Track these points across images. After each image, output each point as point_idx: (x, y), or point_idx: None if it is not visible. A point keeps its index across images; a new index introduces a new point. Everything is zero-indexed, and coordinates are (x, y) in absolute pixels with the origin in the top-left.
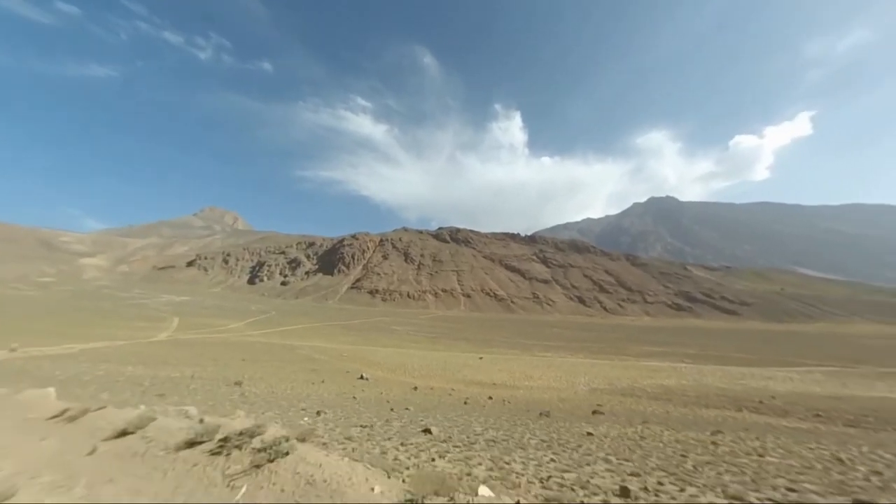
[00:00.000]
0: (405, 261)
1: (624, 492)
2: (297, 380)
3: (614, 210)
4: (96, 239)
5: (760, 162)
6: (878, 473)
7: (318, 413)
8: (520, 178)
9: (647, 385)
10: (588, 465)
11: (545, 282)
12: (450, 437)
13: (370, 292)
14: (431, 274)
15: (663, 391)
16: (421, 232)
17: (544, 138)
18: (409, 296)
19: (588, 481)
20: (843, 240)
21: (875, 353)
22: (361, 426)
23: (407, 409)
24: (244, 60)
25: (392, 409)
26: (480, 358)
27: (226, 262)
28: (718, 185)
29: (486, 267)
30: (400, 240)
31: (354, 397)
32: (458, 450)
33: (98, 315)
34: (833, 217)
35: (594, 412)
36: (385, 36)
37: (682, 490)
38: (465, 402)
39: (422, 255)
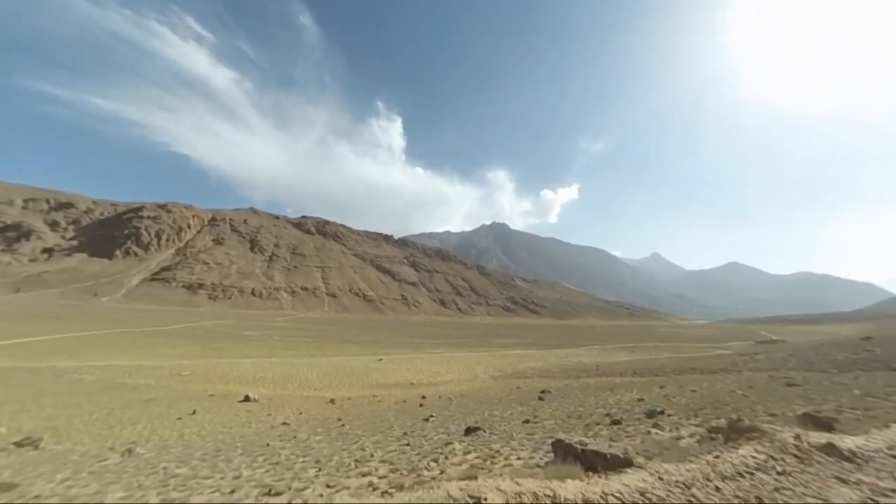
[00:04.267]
0: (252, 250)
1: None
2: (144, 417)
3: (469, 227)
4: None
5: (553, 210)
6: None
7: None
8: (395, 181)
9: (525, 368)
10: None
11: (413, 284)
12: None
13: (189, 287)
14: (289, 269)
15: (539, 371)
16: (277, 217)
17: (420, 150)
18: (254, 293)
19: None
20: (582, 267)
21: (608, 337)
22: None
23: (431, 416)
24: None
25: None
26: (380, 360)
27: None
28: (532, 221)
29: (357, 266)
30: (245, 222)
31: (286, 423)
32: None
33: None
34: (579, 253)
35: (542, 393)
36: None
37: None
38: (421, 405)
39: (276, 246)
